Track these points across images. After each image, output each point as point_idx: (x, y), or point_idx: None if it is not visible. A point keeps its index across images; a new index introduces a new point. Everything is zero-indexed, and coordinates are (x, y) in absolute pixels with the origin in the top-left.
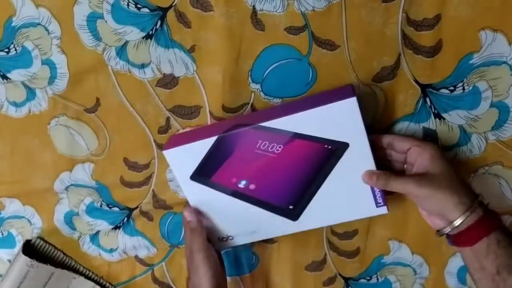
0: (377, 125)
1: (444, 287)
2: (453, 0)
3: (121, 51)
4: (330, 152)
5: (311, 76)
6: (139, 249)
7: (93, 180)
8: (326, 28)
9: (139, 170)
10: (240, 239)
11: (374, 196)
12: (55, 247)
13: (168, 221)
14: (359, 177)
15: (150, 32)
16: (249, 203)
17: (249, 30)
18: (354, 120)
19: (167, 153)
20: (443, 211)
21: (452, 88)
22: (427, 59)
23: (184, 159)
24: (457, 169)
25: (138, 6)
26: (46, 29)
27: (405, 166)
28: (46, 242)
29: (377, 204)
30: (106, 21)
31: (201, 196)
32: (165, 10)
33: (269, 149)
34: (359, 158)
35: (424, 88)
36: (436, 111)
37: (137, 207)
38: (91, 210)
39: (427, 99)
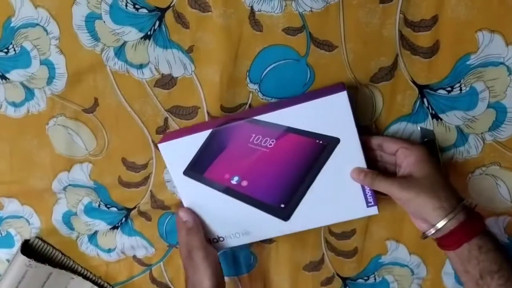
0: (375, 125)
1: (441, 287)
2: (450, 1)
3: (120, 51)
4: (322, 147)
5: (309, 77)
6: (137, 249)
7: (91, 180)
8: (324, 29)
9: (137, 171)
10: (231, 241)
11: (365, 195)
12: (54, 247)
13: (166, 221)
14: (349, 175)
15: (149, 33)
16: (241, 201)
17: (247, 30)
18: (344, 114)
19: (162, 147)
20: (424, 215)
21: (449, 88)
22: (424, 60)
23: (179, 153)
24: (454, 169)
25: (137, 6)
26: (45, 30)
27: (396, 168)
28: (44, 242)
29: (368, 204)
30: (104, 22)
31: (194, 193)
32: (163, 11)
33: (262, 143)
34: (349, 154)
35: (421, 88)
36: (433, 112)
37: (135, 207)
38: (89, 210)
39: (425, 100)
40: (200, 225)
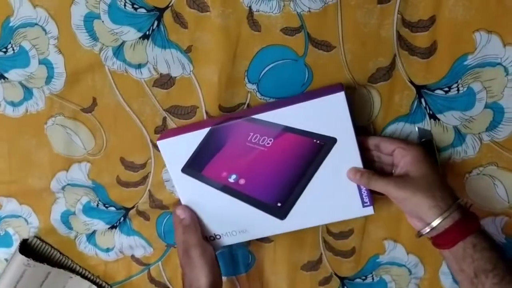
0: (373, 125)
1: (439, 287)
2: (448, 1)
3: (118, 51)
4: (319, 147)
5: (307, 77)
6: (136, 248)
7: (89, 180)
8: (322, 29)
9: (135, 170)
10: (227, 239)
11: (361, 195)
12: (52, 247)
13: (164, 221)
14: (346, 175)
15: (147, 32)
16: (238, 199)
17: (246, 30)
18: (342, 115)
19: (161, 144)
20: (419, 214)
21: (447, 89)
22: (422, 60)
23: (177, 150)
24: (451, 170)
25: (135, 6)
26: (44, 29)
27: (393, 168)
28: (42, 241)
29: (364, 204)
30: (103, 21)
31: (191, 190)
32: (162, 11)
33: (260, 142)
34: (346, 154)
35: (419, 89)
36: (431, 112)
37: (133, 207)
38: (88, 210)
39: (422, 100)
40: (197, 222)
